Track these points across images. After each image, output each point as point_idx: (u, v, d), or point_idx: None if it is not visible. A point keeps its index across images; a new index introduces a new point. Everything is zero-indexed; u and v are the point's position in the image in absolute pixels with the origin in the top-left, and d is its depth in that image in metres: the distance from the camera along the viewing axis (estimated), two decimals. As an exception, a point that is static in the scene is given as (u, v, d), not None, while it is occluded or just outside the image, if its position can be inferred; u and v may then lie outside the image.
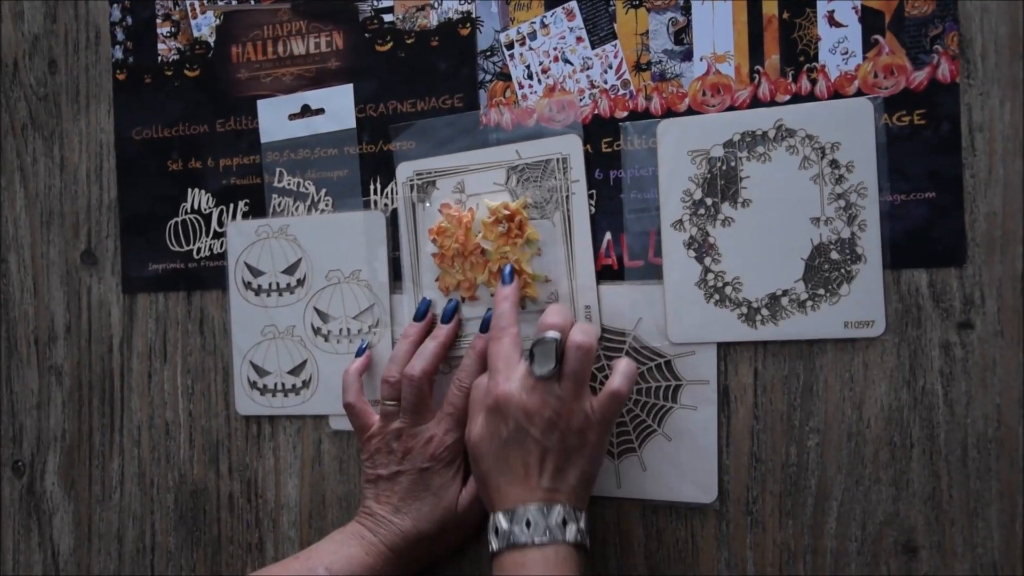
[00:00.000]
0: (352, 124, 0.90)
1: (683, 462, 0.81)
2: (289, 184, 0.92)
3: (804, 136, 0.78)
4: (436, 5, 0.87)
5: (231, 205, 0.94)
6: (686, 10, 0.81)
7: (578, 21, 0.83)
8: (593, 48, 0.83)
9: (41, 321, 1.00)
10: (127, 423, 0.97)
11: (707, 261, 0.80)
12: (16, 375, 1.01)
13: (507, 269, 0.81)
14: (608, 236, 0.83)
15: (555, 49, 0.84)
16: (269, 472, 0.93)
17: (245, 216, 0.93)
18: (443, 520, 0.81)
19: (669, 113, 0.82)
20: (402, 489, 0.81)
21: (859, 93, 0.77)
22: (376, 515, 0.82)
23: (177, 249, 0.95)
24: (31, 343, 1.00)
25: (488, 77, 0.86)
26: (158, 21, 0.96)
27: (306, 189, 0.91)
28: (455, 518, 0.82)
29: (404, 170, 0.88)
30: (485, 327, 0.82)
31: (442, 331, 0.84)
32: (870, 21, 0.77)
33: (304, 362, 0.92)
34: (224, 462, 0.94)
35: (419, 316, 0.85)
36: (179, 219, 0.95)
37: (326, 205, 0.91)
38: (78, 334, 0.99)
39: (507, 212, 0.82)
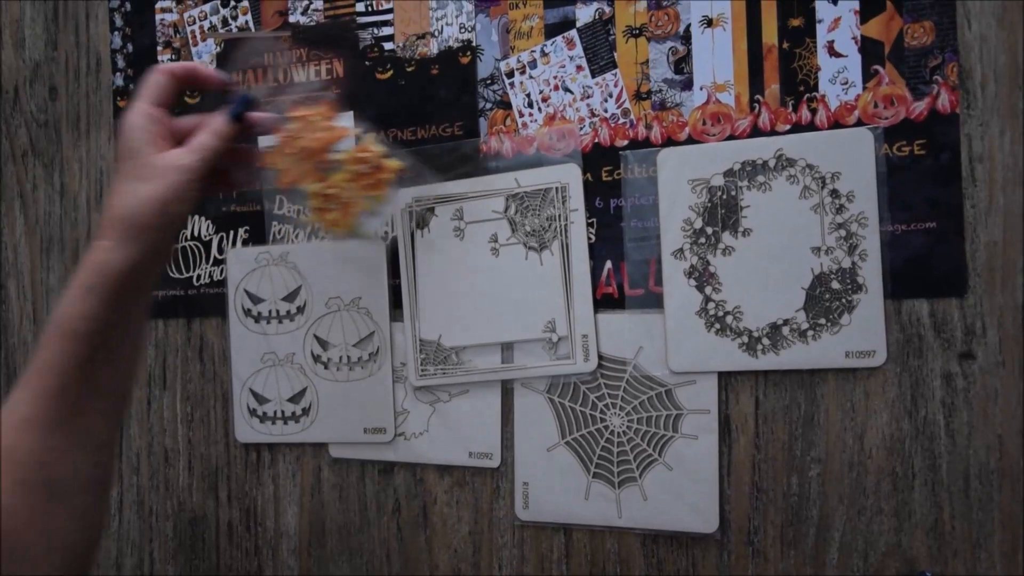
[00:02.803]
0: (352, 152, 0.90)
1: (684, 492, 0.81)
2: (289, 211, 0.92)
3: (804, 166, 0.78)
4: (436, 33, 0.87)
5: (231, 232, 0.94)
6: (686, 39, 0.81)
7: (578, 50, 0.84)
8: (593, 77, 0.83)
9: (40, 348, 0.99)
10: (126, 450, 0.97)
11: (708, 290, 0.80)
12: (15, 402, 1.00)
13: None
14: (608, 265, 0.83)
15: (555, 77, 0.84)
16: (268, 500, 0.93)
17: (245, 243, 0.93)
18: (140, 169, 0.66)
19: (669, 142, 0.82)
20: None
21: (859, 123, 0.77)
22: None
23: (177, 276, 0.95)
24: (30, 370, 1.00)
25: (488, 105, 0.86)
26: (159, 48, 0.96)
27: (306, 216, 0.91)
28: (155, 163, 0.66)
29: (403, 197, 0.88)
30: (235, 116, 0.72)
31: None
32: (870, 51, 0.77)
33: (304, 390, 0.91)
34: (223, 490, 0.94)
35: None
36: (179, 246, 0.95)
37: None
38: (77, 361, 0.98)
39: (377, 165, 0.77)
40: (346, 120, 0.79)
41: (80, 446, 0.64)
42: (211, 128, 0.70)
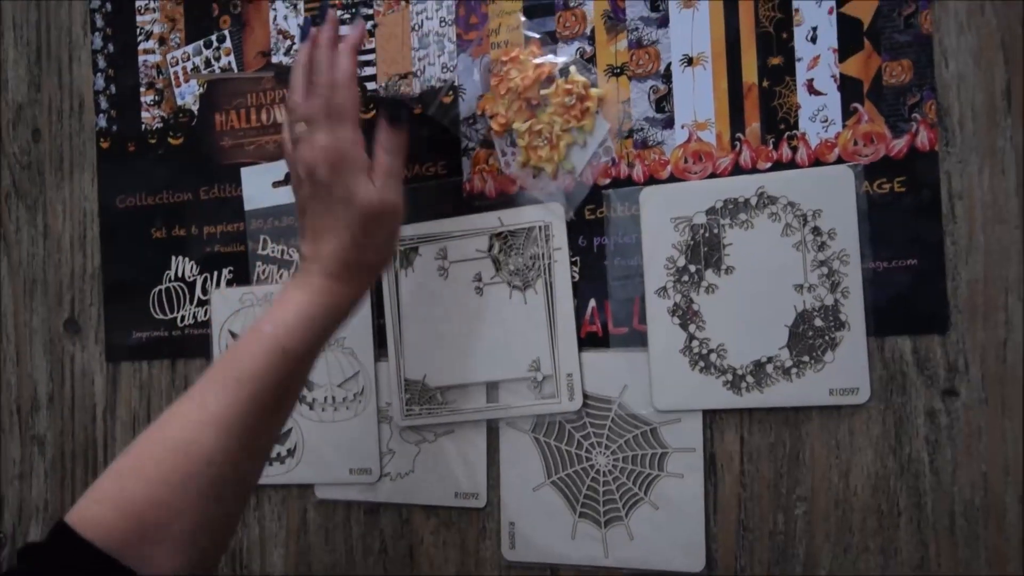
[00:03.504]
0: (336, 191, 0.90)
1: (670, 530, 0.81)
2: (273, 251, 0.92)
3: (786, 203, 0.78)
4: (419, 73, 0.88)
5: (215, 273, 0.94)
6: (667, 78, 0.81)
7: (560, 89, 0.84)
8: (575, 116, 0.84)
9: (24, 390, 0.99)
10: (110, 493, 0.96)
11: (691, 328, 0.80)
12: (-2, 445, 1.00)
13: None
14: (592, 303, 0.83)
15: (537, 117, 0.84)
16: (254, 542, 0.92)
17: (229, 284, 0.93)
18: (364, 219, 0.71)
19: (652, 180, 0.82)
20: (313, 212, 0.73)
21: (840, 160, 0.77)
22: (305, 254, 0.74)
23: (161, 317, 0.95)
24: (13, 412, 0.99)
25: (471, 144, 0.86)
26: (142, 90, 0.96)
27: (290, 256, 0.91)
28: (374, 210, 0.72)
29: (388, 237, 0.88)
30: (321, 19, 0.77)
31: (352, 35, 0.75)
32: (849, 89, 0.77)
33: (289, 431, 0.91)
34: (208, 532, 0.93)
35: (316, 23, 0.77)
36: (163, 287, 0.95)
37: (310, 272, 0.91)
38: (61, 403, 0.98)
39: (582, 95, 0.81)
40: (553, 56, 0.83)
41: (252, 450, 0.68)
42: (385, 148, 0.75)
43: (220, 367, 0.68)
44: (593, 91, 0.81)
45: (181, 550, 0.63)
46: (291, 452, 0.91)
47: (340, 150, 0.72)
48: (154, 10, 0.95)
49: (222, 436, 0.65)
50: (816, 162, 0.78)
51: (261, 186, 0.92)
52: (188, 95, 0.95)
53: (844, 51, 0.77)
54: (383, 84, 0.88)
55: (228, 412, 0.65)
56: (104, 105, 0.97)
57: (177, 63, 0.95)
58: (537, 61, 0.82)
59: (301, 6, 0.91)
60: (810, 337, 0.77)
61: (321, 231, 0.73)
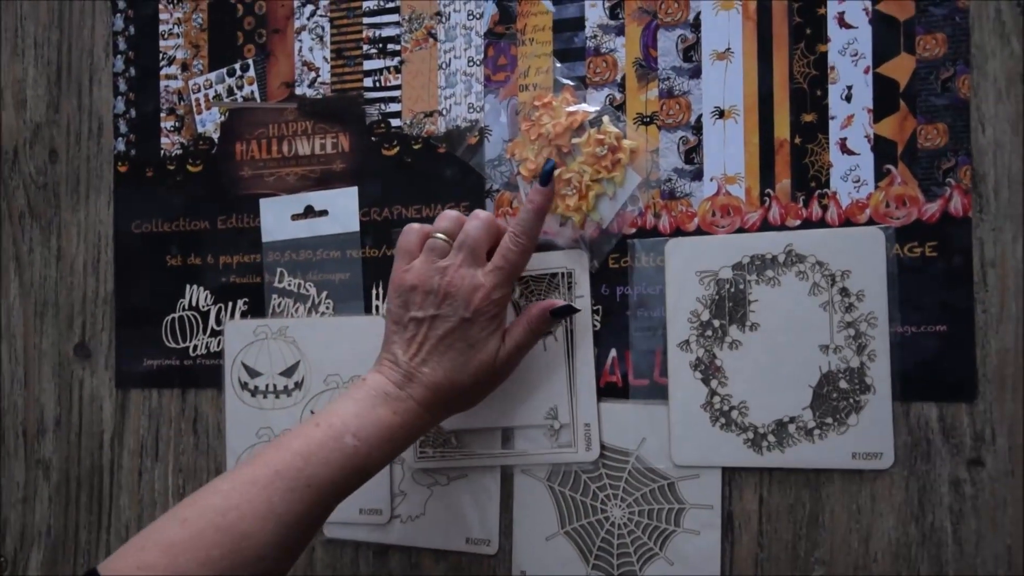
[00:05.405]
0: (356, 227, 0.89)
1: (685, 588, 0.80)
2: (289, 285, 0.90)
3: (814, 262, 0.77)
4: (444, 112, 0.87)
5: (230, 303, 0.92)
6: (697, 130, 0.80)
7: (588, 136, 0.83)
8: (602, 163, 0.83)
9: (31, 413, 0.98)
10: (115, 521, 0.95)
11: (713, 383, 0.79)
12: (2, 467, 0.98)
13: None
14: (613, 353, 0.82)
15: (564, 162, 0.83)
16: (259, 579, 0.91)
17: (244, 315, 0.92)
18: (478, 372, 0.74)
19: (678, 232, 0.81)
20: (436, 337, 0.73)
21: (871, 222, 0.76)
22: (402, 365, 0.74)
23: (173, 345, 0.94)
24: (19, 435, 0.98)
25: (495, 186, 0.85)
26: (162, 115, 0.95)
27: (307, 291, 0.90)
28: (491, 370, 0.75)
29: (407, 275, 0.87)
30: (545, 179, 0.77)
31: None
32: (882, 150, 0.76)
33: (299, 467, 0.90)
34: (213, 566, 0.92)
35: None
36: (176, 315, 0.94)
37: (327, 308, 0.90)
38: (68, 428, 0.97)
39: (613, 147, 0.80)
40: (587, 103, 0.83)
41: (303, 543, 0.70)
42: (530, 324, 0.78)
43: (293, 465, 0.68)
44: (625, 143, 0.80)
45: None
46: (300, 489, 0.89)
47: (504, 304, 0.76)
48: (178, 35, 0.94)
49: (280, 533, 0.66)
50: (846, 222, 0.77)
51: (280, 218, 0.91)
52: (209, 123, 0.94)
53: (879, 112, 0.76)
54: (407, 121, 0.87)
55: (292, 513, 0.66)
56: (123, 129, 0.96)
57: (199, 90, 0.94)
58: (570, 109, 0.81)
59: (327, 39, 0.90)
60: (834, 399, 0.76)
61: (436, 358, 0.74)
